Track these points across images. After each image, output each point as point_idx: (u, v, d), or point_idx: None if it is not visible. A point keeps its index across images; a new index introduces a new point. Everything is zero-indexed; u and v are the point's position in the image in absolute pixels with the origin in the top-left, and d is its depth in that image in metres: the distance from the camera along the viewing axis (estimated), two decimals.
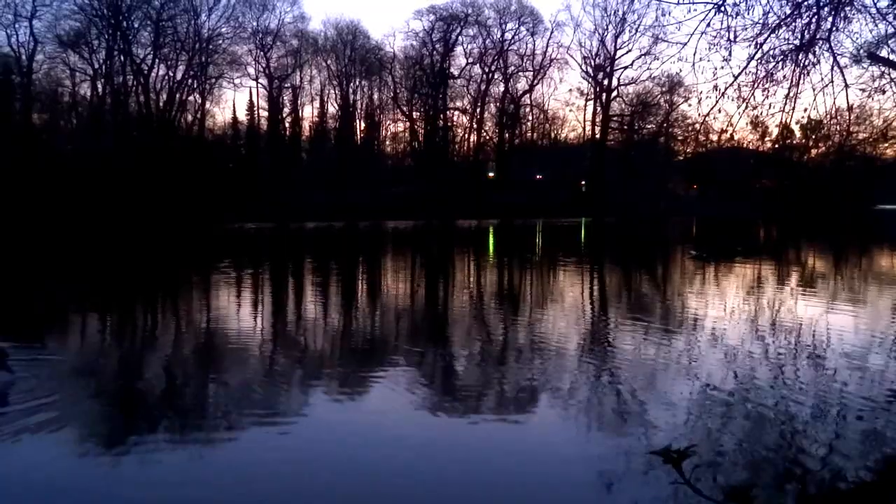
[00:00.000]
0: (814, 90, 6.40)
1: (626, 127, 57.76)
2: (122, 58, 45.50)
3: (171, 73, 47.03)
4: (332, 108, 55.58)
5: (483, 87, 56.83)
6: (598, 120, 56.80)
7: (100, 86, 45.67)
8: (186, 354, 5.78)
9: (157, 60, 46.55)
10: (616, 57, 54.83)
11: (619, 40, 53.63)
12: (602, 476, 3.15)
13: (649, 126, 57.29)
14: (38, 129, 42.05)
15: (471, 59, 56.37)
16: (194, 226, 28.49)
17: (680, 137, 54.95)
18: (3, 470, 3.22)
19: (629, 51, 52.95)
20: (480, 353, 5.88)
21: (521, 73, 57.13)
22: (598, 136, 56.72)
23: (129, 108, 45.25)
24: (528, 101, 57.43)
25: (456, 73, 56.62)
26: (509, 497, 3.01)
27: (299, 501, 2.89)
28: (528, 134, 59.16)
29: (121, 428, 3.78)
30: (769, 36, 6.22)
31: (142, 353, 5.78)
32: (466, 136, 58.87)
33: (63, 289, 5.21)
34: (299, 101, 54.19)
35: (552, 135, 60.20)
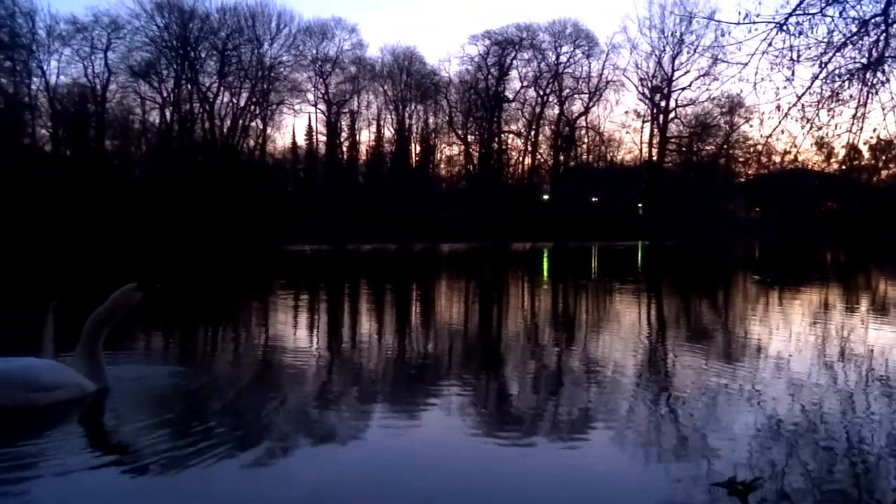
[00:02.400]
0: (883, 109, 6.21)
1: (684, 148, 56.76)
2: (189, 86, 47.40)
3: (234, 101, 48.71)
4: (388, 133, 56.49)
5: (538, 109, 56.89)
6: (655, 142, 56.03)
7: (168, 113, 47.62)
8: (241, 375, 5.90)
9: (221, 88, 48.31)
10: (674, 78, 54.13)
11: (677, 61, 53.01)
12: None
13: (708, 147, 56.20)
14: (110, 155, 44.05)
15: (525, 83, 56.58)
16: (254, 248, 29.22)
17: (741, 159, 53.69)
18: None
19: (687, 72, 52.24)
20: (534, 378, 5.82)
21: (576, 96, 56.99)
22: (655, 158, 55.90)
23: (194, 135, 47.02)
24: (584, 124, 57.11)
25: (510, 96, 56.91)
26: None
27: None
28: (584, 156, 58.81)
29: (173, 446, 3.86)
30: (834, 54, 6.07)
31: (199, 373, 5.92)
32: (521, 158, 58.90)
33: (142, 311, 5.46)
34: (356, 126, 55.31)
35: (608, 157, 59.65)
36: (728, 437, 4.01)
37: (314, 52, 51.65)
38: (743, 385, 5.32)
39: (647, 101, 55.13)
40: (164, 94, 46.77)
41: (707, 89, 43.69)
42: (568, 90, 56.13)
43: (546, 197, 56.29)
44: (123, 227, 28.92)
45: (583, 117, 56.42)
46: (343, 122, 54.62)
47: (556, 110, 56.38)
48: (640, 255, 29.59)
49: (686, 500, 3.11)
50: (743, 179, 56.19)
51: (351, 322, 9.55)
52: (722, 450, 3.75)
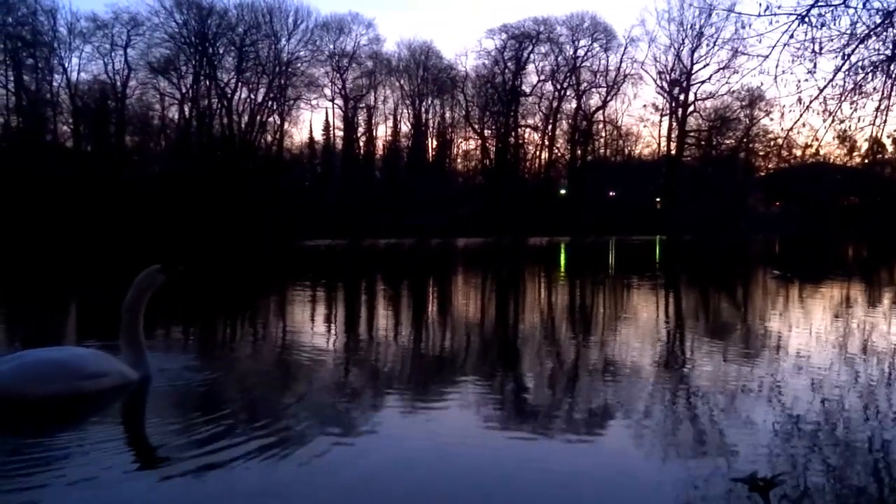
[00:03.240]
0: None
1: (703, 142, 56.21)
2: (207, 82, 47.67)
3: (252, 96, 48.92)
4: (404, 128, 56.48)
5: (555, 104, 56.58)
6: (673, 136, 55.55)
7: (187, 109, 47.92)
8: (258, 369, 5.94)
9: (239, 84, 48.52)
10: (693, 71, 53.61)
11: (696, 54, 52.43)
12: (679, 502, 3.05)
13: (728, 141, 55.62)
14: (129, 151, 44.46)
15: (543, 77, 56.27)
16: (271, 243, 29.39)
17: (761, 153, 53.03)
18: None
19: (706, 65, 51.67)
20: (551, 374, 5.82)
21: (593, 90, 56.59)
22: (673, 152, 55.41)
23: (213, 130, 47.31)
24: (601, 118, 56.73)
25: (527, 90, 56.62)
26: None
27: None
28: (601, 151, 58.42)
29: (195, 438, 3.91)
30: (857, 46, 5.97)
31: (217, 367, 5.98)
32: (538, 153, 58.61)
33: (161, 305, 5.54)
34: (373, 121, 55.35)
35: (625, 151, 59.23)
36: (748, 433, 3.98)
37: (331, 47, 51.73)
38: (763, 381, 5.28)
39: (665, 95, 54.66)
40: (183, 90, 47.10)
41: (727, 82, 43.27)
42: (585, 84, 55.79)
43: (563, 192, 56.04)
44: (143, 222, 29.23)
45: (600, 111, 56.06)
46: (360, 118, 54.70)
47: (574, 104, 56.06)
48: (657, 250, 29.40)
49: (705, 495, 3.10)
50: (763, 174, 55.51)
51: (367, 317, 9.59)
52: (741, 446, 3.73)
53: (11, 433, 4.07)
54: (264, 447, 3.65)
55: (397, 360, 6.33)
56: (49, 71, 42.45)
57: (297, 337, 7.50)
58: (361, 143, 55.17)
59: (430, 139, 57.25)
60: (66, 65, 43.11)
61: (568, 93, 56.06)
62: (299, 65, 49.79)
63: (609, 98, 55.57)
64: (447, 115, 56.99)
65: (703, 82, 52.20)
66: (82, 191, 30.90)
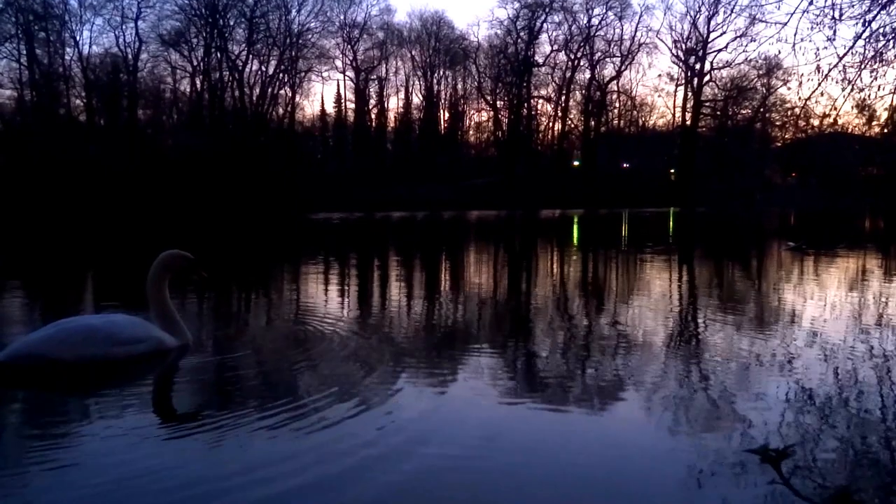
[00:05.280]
0: None
1: (718, 113, 55.54)
2: (218, 55, 47.48)
3: (263, 69, 48.73)
4: (416, 99, 56.13)
5: (568, 74, 55.95)
6: (688, 106, 54.84)
7: (198, 82, 47.83)
8: (273, 341, 6.01)
9: (250, 56, 48.30)
10: (709, 40, 52.73)
11: (713, 22, 51.52)
12: (691, 473, 3.07)
13: (744, 111, 54.91)
14: (142, 125, 44.57)
15: (556, 47, 55.60)
16: (284, 216, 29.49)
17: (778, 123, 52.37)
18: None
19: (723, 33, 50.82)
20: (562, 345, 5.84)
21: (608, 60, 55.87)
22: (688, 122, 54.75)
23: (224, 103, 47.24)
24: (616, 88, 56.05)
25: (540, 60, 55.97)
26: (595, 492, 2.98)
27: (387, 492, 2.95)
28: (615, 122, 57.84)
29: (217, 408, 3.98)
30: (879, 13, 5.82)
31: (234, 337, 6.04)
32: (551, 124, 58.13)
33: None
34: (385, 93, 55.01)
35: (640, 122, 58.60)
36: (760, 404, 3.98)
37: (342, 18, 51.32)
38: (775, 352, 5.27)
39: (680, 64, 53.86)
40: (195, 63, 47.01)
41: (744, 51, 42.66)
42: (599, 54, 55.09)
43: (576, 163, 55.64)
44: (158, 196, 29.39)
45: (614, 81, 55.40)
46: (371, 90, 54.42)
47: (587, 75, 55.43)
48: (671, 222, 29.22)
49: (717, 467, 3.11)
50: (780, 144, 54.80)
51: (383, 289, 9.64)
52: (753, 418, 3.74)
53: (46, 392, 4.35)
54: (277, 416, 3.71)
55: (411, 331, 6.37)
56: (61, 44, 42.49)
57: (315, 308, 7.55)
58: (373, 116, 54.95)
59: (442, 111, 56.93)
60: (78, 38, 43.13)
61: (582, 63, 55.45)
62: (310, 36, 49.51)
63: (623, 68, 54.92)
64: (459, 86, 56.62)
65: (719, 51, 51.42)
66: (96, 165, 31.04)
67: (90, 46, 44.64)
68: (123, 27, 44.32)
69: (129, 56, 44.56)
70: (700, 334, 6.25)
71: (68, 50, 42.90)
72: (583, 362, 5.17)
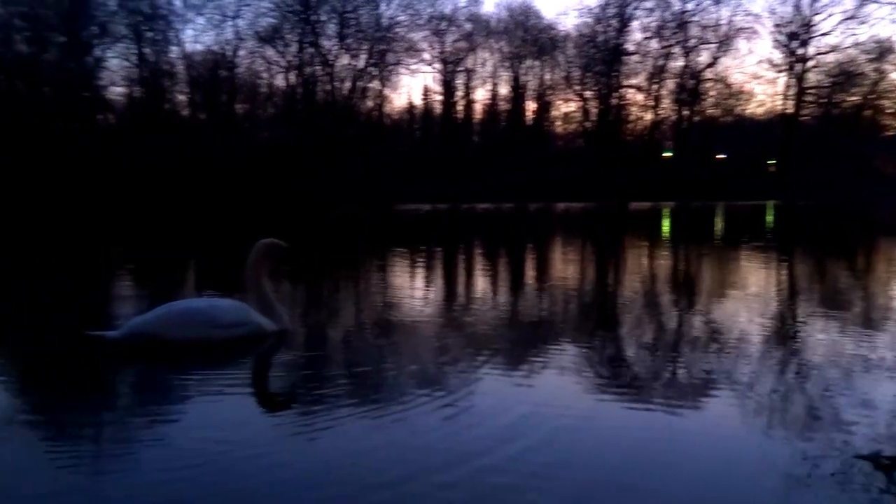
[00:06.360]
0: None
1: (823, 100, 52.38)
2: (311, 50, 48.83)
3: (353, 63, 49.73)
4: (503, 90, 55.82)
5: (660, 62, 54.17)
6: (790, 93, 51.98)
7: (292, 77, 49.39)
8: (365, 326, 6.17)
9: (341, 50, 49.40)
10: (813, 23, 49.75)
11: (818, 4, 48.51)
12: (791, 479, 2.95)
13: (852, 98, 51.58)
14: (239, 119, 46.50)
15: (648, 34, 53.88)
16: (372, 207, 30.09)
17: (889, 111, 48.88)
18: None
19: (830, 15, 47.89)
20: (652, 341, 5.71)
21: (703, 46, 53.69)
22: (790, 110, 51.95)
23: (316, 97, 48.58)
24: (711, 76, 53.82)
25: (631, 48, 54.45)
26: (685, 495, 2.91)
27: (466, 484, 2.99)
28: (710, 110, 55.54)
29: (309, 391, 4.14)
30: None
31: (316, 323, 6.23)
32: (641, 114, 56.48)
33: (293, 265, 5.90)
34: (471, 84, 55.00)
35: (736, 111, 56.06)
36: (867, 409, 3.78)
37: (430, 10, 51.66)
38: (884, 356, 4.97)
39: (782, 49, 51.12)
40: (288, 59, 48.55)
41: (852, 34, 39.98)
42: (694, 40, 53.01)
43: (668, 154, 53.94)
44: (254, 187, 30.65)
45: (710, 69, 53.22)
46: (458, 81, 54.58)
47: (681, 62, 53.49)
48: (770, 216, 27.89)
49: (818, 472, 2.98)
50: (891, 133, 51.18)
51: (466, 280, 9.71)
52: (860, 423, 3.55)
53: (153, 368, 4.74)
54: (368, 404, 3.83)
55: (498, 322, 6.39)
56: (166, 43, 44.82)
57: (404, 297, 7.70)
58: (460, 107, 55.13)
59: (528, 102, 56.44)
60: (182, 37, 45.42)
61: (675, 50, 53.54)
62: (399, 29, 50.12)
63: (720, 54, 52.64)
64: (547, 76, 55.89)
65: (825, 34, 48.48)
66: (199, 157, 32.68)
67: (193, 45, 46.64)
68: (223, 26, 46.35)
69: (228, 53, 46.56)
70: (801, 333, 5.97)
71: (173, 48, 45.26)
72: (673, 360, 5.05)
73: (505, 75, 55.19)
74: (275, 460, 3.12)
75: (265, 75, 48.92)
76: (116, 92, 44.11)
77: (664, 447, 3.34)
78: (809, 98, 51.63)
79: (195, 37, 50.31)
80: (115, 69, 43.56)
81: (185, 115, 45.69)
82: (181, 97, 46.43)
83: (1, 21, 39.34)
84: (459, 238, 17.37)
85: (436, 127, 54.38)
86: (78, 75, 39.97)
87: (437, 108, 54.60)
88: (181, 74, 45.59)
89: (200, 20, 47.29)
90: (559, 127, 58.27)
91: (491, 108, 55.59)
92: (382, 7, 49.31)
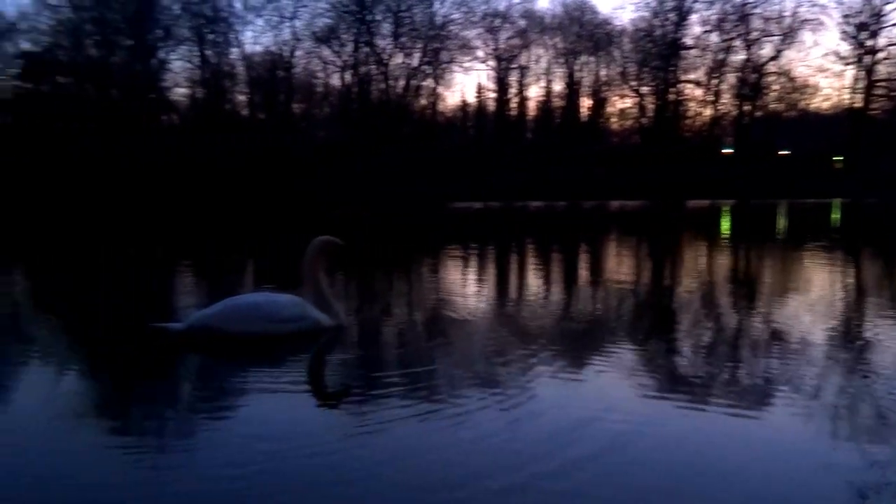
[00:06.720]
0: None
1: (894, 93, 50.06)
2: (366, 49, 49.39)
3: (407, 61, 50.10)
4: (557, 87, 55.28)
5: (720, 56, 52.70)
6: (859, 86, 49.87)
7: (347, 76, 50.07)
8: (415, 323, 6.25)
9: (395, 49, 49.83)
10: (884, 13, 47.60)
11: None
12: (856, 487, 2.88)
13: None
14: (297, 118, 47.45)
15: (707, 27, 52.50)
16: (426, 204, 30.27)
17: None
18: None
19: None
20: (711, 342, 5.62)
21: (765, 39, 52.03)
22: (858, 104, 49.85)
23: (370, 96, 49.12)
24: (774, 69, 52.10)
25: (690, 42, 53.18)
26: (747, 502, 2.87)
27: (525, 485, 3.01)
28: (773, 105, 53.77)
29: (354, 395, 4.22)
30: None
31: (374, 317, 6.33)
32: (700, 110, 55.10)
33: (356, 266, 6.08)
34: (525, 81, 54.69)
35: (801, 105, 54.10)
36: None
37: (484, 7, 51.58)
38: None
39: (850, 41, 49.12)
40: (344, 58, 49.23)
41: None
42: (756, 33, 51.42)
43: (728, 151, 52.51)
44: (310, 184, 31.26)
45: (773, 62, 51.53)
46: (512, 78, 54.34)
47: (742, 56, 51.96)
48: (836, 213, 26.88)
49: (884, 479, 2.91)
50: None
51: (521, 278, 9.71)
52: None
53: (210, 362, 5.00)
54: (418, 405, 3.87)
55: (552, 322, 6.38)
56: (227, 45, 46.05)
57: (457, 294, 7.76)
58: (513, 105, 54.89)
59: (583, 98, 55.77)
60: (242, 38, 46.58)
61: (736, 43, 52.04)
62: (452, 27, 50.21)
63: (783, 47, 50.93)
64: (602, 72, 55.10)
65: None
66: (259, 156, 33.51)
67: (252, 46, 47.83)
68: (281, 27, 47.34)
69: (286, 53, 47.52)
70: (867, 336, 5.77)
71: (233, 50, 46.47)
72: (732, 363, 4.96)
73: (559, 72, 54.71)
74: (327, 460, 3.17)
75: (321, 75, 49.80)
76: (179, 93, 45.67)
77: (726, 453, 3.29)
78: (879, 91, 49.43)
79: (254, 38, 51.57)
80: (178, 71, 45.06)
81: (244, 114, 46.89)
82: (241, 97, 47.71)
83: (72, 26, 41.13)
84: (513, 236, 17.33)
85: (489, 124, 54.28)
86: (144, 77, 41.47)
87: (491, 105, 54.50)
88: (241, 75, 46.82)
89: (259, 22, 48.57)
90: (614, 124, 57.43)
91: (545, 105, 55.16)
92: (437, 5, 49.51)
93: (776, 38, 50.85)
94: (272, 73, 46.63)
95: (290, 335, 5.23)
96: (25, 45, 41.19)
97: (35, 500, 2.83)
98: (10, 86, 39.64)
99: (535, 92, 55.72)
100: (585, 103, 55.73)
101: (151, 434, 3.61)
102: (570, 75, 54.32)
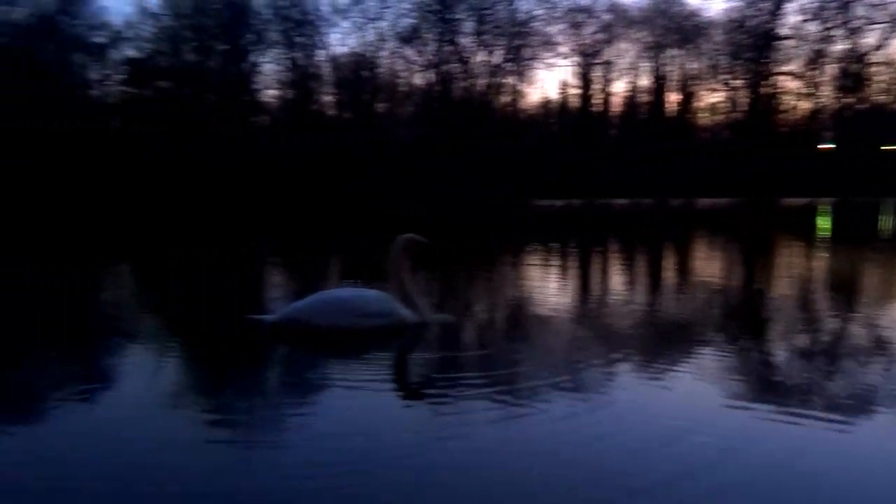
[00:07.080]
0: None
1: None
2: (448, 48, 49.75)
3: (489, 59, 50.12)
4: (643, 82, 53.95)
5: (819, 46, 49.96)
6: None
7: (430, 75, 50.61)
8: (500, 322, 6.26)
9: (478, 47, 49.95)
10: None
11: None
12: None
13: None
14: (380, 117, 48.36)
15: (805, 16, 49.89)
16: (508, 202, 30.21)
17: None
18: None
19: None
20: (805, 348, 5.36)
21: (869, 27, 48.94)
22: None
23: (452, 95, 49.44)
24: (879, 59, 48.97)
25: (786, 32, 50.69)
26: None
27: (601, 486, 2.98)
28: (877, 97, 50.57)
29: (436, 394, 4.27)
30: None
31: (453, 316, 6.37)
32: (796, 103, 52.45)
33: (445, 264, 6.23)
34: (609, 77, 53.65)
35: None
36: None
37: (567, 3, 50.92)
38: None
39: None
40: (427, 58, 49.73)
41: None
42: (859, 21, 48.43)
43: (827, 146, 49.74)
44: (395, 182, 31.80)
45: (878, 51, 48.40)
46: (596, 74, 53.38)
47: (844, 45, 49.06)
48: None
49: None
50: None
51: (605, 278, 9.56)
52: None
53: (300, 354, 5.22)
54: (501, 409, 3.85)
55: (639, 325, 6.24)
56: (314, 47, 47.43)
57: (539, 294, 7.72)
58: (597, 101, 53.93)
59: (670, 93, 54.15)
60: (328, 40, 47.82)
61: (836, 32, 49.19)
62: (535, 24, 49.81)
63: (889, 35, 47.72)
64: (690, 65, 53.32)
65: None
66: (346, 155, 34.38)
67: (338, 47, 49.07)
68: (366, 28, 48.30)
69: (370, 54, 48.46)
70: None
71: (320, 52, 47.79)
72: (825, 370, 4.71)
73: (645, 66, 53.34)
74: (415, 462, 3.18)
75: (404, 74, 50.48)
76: (269, 94, 47.40)
77: (829, 471, 3.12)
78: None
79: (340, 39, 52.76)
80: (269, 73, 46.77)
81: (330, 114, 48.17)
82: (327, 98, 49.03)
83: (172, 33, 43.41)
84: (596, 235, 17.06)
85: (572, 121, 53.54)
86: (237, 80, 43.29)
87: (574, 101, 53.74)
88: (327, 76, 48.11)
89: (345, 24, 49.69)
90: (704, 119, 55.46)
91: (630, 100, 53.91)
92: (519, 2, 49.27)
93: (881, 25, 47.76)
94: (357, 73, 47.66)
95: (376, 330, 5.38)
96: (130, 52, 43.83)
97: (122, 485, 2.91)
98: (118, 91, 42.35)
99: (619, 87, 54.60)
100: (673, 98, 54.15)
101: (241, 427, 3.73)
102: (657, 69, 52.87)
